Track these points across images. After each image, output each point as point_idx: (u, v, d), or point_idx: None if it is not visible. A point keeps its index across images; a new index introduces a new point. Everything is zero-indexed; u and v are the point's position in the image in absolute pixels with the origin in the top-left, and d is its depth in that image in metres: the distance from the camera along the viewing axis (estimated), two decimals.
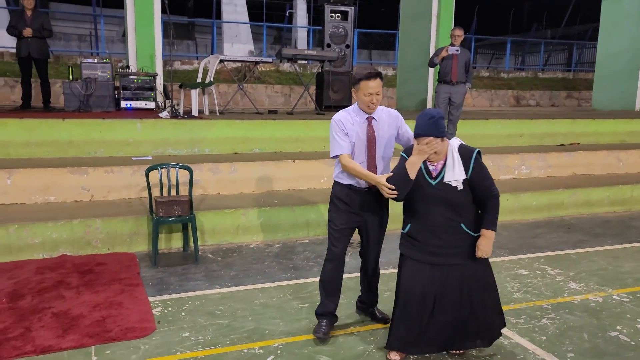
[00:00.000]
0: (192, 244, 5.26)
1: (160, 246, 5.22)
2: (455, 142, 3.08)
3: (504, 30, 23.55)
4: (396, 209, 3.49)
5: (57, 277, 4.45)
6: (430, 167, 3.05)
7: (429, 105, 10.60)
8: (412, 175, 3.02)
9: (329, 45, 9.80)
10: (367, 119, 3.34)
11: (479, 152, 3.08)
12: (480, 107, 16.25)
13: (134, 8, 8.41)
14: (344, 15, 9.83)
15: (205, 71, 8.35)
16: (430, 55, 8.93)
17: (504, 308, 3.95)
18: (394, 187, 3.08)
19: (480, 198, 3.05)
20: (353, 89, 3.34)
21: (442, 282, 3.11)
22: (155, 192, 5.26)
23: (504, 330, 3.51)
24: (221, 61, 8.17)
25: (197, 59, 16.26)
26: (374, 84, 3.24)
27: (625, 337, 3.64)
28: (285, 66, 15.74)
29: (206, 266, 4.92)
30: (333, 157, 3.42)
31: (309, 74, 13.77)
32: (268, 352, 3.34)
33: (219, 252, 5.29)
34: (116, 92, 8.08)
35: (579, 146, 8.69)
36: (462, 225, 3.06)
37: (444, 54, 7.68)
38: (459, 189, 2.99)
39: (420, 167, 3.07)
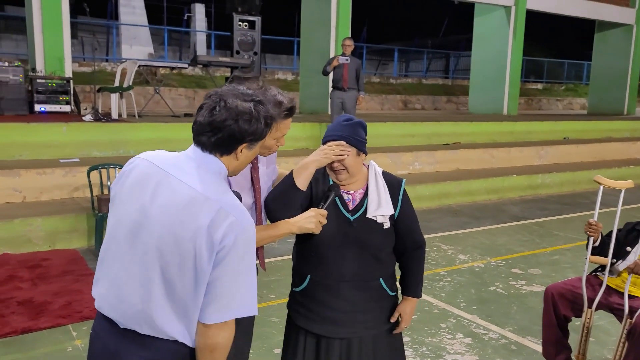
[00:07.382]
0: None
1: (101, 242, 5.57)
2: (377, 167, 2.25)
3: (390, 38, 25.50)
4: None
5: (6, 272, 4.69)
6: (345, 197, 2.15)
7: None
8: (301, 183, 2.03)
9: (237, 52, 10.40)
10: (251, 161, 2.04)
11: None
12: (372, 110, 17.63)
13: (40, 8, 8.28)
14: (251, 24, 10.50)
15: (122, 75, 8.59)
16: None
17: None
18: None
19: (402, 246, 2.22)
20: None
21: None
22: (88, 192, 5.59)
23: None
24: (140, 66, 8.47)
25: (96, 61, 15.95)
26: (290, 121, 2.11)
27: (501, 290, 4.76)
28: (188, 70, 15.96)
29: None
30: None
31: (208, 78, 14.16)
32: None
33: None
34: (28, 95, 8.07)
35: (460, 145, 10.11)
36: (381, 280, 2.18)
37: (335, 63, 8.10)
38: (385, 227, 2.14)
39: (332, 197, 2.10)
